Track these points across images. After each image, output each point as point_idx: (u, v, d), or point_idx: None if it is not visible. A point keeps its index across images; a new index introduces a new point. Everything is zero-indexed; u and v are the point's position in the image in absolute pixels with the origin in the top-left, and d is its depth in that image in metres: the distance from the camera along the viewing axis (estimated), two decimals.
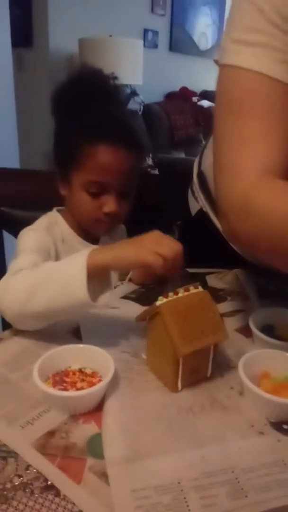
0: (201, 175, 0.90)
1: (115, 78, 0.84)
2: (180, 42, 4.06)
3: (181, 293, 0.53)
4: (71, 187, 0.79)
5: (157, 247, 0.56)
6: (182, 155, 3.69)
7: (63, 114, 0.81)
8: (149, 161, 3.04)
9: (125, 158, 0.76)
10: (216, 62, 0.57)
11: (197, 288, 0.55)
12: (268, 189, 0.50)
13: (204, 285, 0.83)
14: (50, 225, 0.81)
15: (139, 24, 3.59)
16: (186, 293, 0.53)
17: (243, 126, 0.52)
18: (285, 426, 0.48)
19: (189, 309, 0.51)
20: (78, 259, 0.56)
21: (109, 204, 0.76)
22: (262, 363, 0.54)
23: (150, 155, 3.10)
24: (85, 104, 0.77)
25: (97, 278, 0.58)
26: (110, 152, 0.75)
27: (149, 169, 2.98)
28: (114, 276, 0.87)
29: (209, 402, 0.51)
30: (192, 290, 0.54)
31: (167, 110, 3.72)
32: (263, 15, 0.51)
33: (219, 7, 4.48)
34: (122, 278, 0.84)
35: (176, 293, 0.53)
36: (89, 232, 0.83)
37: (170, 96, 3.98)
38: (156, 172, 2.96)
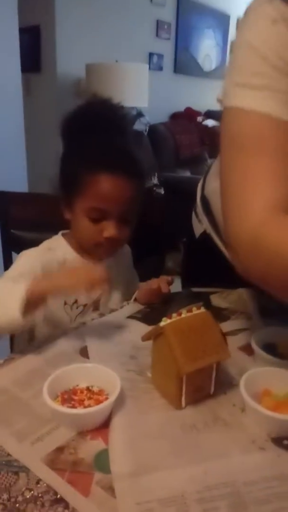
0: (204, 199, 0.93)
1: (122, 107, 0.88)
2: (185, 64, 4.17)
3: (184, 314, 0.55)
4: (74, 212, 0.83)
5: (87, 276, 0.66)
6: (187, 173, 3.75)
7: (69, 142, 0.85)
8: (155, 180, 3.09)
9: (125, 186, 0.80)
10: (219, 101, 0.60)
11: (200, 308, 0.57)
12: (277, 226, 0.51)
13: (208, 304, 0.85)
14: (49, 249, 0.85)
15: (145, 48, 3.69)
16: (189, 314, 0.55)
17: (249, 165, 0.54)
18: (285, 442, 0.49)
19: (192, 329, 0.54)
20: (20, 286, 0.64)
21: (109, 230, 0.80)
22: (263, 381, 0.56)
23: (156, 174, 3.16)
24: (90, 133, 0.81)
25: (36, 302, 0.65)
26: (110, 181, 0.78)
27: (154, 188, 3.04)
28: (117, 297, 0.90)
29: (212, 419, 0.53)
30: (195, 310, 0.56)
31: (172, 130, 3.80)
32: (265, 60, 0.53)
33: (223, 30, 4.60)
34: (128, 298, 0.87)
35: (180, 314, 0.55)
36: (91, 254, 0.86)
37: (175, 116, 4.07)
38: (162, 190, 3.02)
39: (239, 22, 0.59)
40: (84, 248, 0.86)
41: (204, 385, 0.56)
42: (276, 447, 0.49)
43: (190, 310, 0.56)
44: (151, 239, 2.16)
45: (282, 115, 0.53)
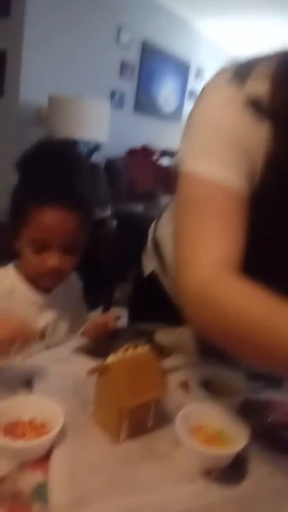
0: (155, 241, 0.99)
1: (75, 146, 0.93)
2: (145, 104, 4.36)
3: (129, 351, 0.59)
4: (21, 243, 0.86)
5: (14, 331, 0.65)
6: (141, 207, 3.86)
7: (22, 175, 0.89)
8: (108, 212, 3.16)
9: (67, 218, 0.83)
10: (175, 165, 0.66)
11: (143, 347, 0.61)
12: (223, 284, 0.55)
13: (152, 341, 0.89)
14: None
15: (108, 85, 3.84)
16: (133, 352, 0.59)
17: (201, 226, 0.59)
18: (214, 475, 0.54)
19: (135, 366, 0.58)
20: None
21: (52, 260, 0.83)
22: (197, 417, 0.60)
23: (110, 206, 3.23)
24: (41, 168, 0.85)
25: None
26: (52, 213, 0.83)
27: (107, 220, 3.10)
28: (64, 328, 0.92)
29: (148, 452, 0.56)
30: (139, 349, 0.61)
31: (128, 165, 3.92)
32: (219, 136, 0.60)
33: (183, 77, 4.89)
34: (75, 329, 0.90)
35: (125, 352, 0.59)
36: (38, 284, 0.88)
37: (132, 152, 4.21)
38: (115, 222, 3.08)
39: (196, 99, 0.65)
40: (30, 278, 0.88)
41: (143, 420, 0.59)
42: (205, 479, 0.53)
43: (134, 348, 0.60)
44: (101, 270, 2.19)
45: (230, 184, 0.59)
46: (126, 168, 3.90)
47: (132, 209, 3.66)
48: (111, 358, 0.57)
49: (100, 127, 2.97)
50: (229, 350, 0.58)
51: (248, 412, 0.67)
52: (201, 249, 0.58)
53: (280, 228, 0.65)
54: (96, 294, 1.91)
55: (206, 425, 0.59)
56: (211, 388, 0.70)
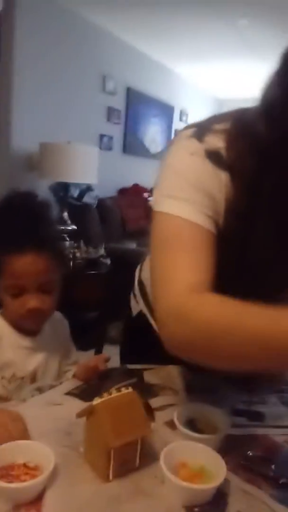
0: (141, 282, 1.05)
1: (39, 199, 0.99)
2: (133, 146, 4.53)
3: (114, 393, 0.64)
4: (0, 291, 0.91)
5: None
6: (134, 245, 3.94)
7: None
8: (102, 251, 3.23)
9: (36, 262, 0.88)
10: (151, 206, 0.74)
11: (128, 388, 0.66)
12: (196, 298, 0.62)
13: (141, 380, 0.94)
14: None
15: (96, 130, 4.02)
16: (117, 394, 0.64)
17: (173, 259, 0.66)
18: (196, 509, 0.57)
19: (120, 407, 0.62)
20: None
21: (30, 302, 0.88)
22: (181, 454, 0.64)
23: (103, 245, 3.31)
24: (6, 221, 0.90)
25: None
26: (22, 259, 0.87)
27: (101, 258, 3.17)
28: (54, 368, 0.96)
29: (135, 490, 0.60)
30: (123, 390, 0.65)
31: (120, 204, 4.04)
32: (186, 180, 0.68)
33: (168, 118, 5.11)
34: (63, 374, 0.93)
35: (110, 394, 0.64)
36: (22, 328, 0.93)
37: (123, 191, 4.34)
38: (108, 261, 3.15)
39: (165, 151, 0.75)
40: (14, 323, 0.92)
41: (130, 458, 0.63)
42: None
43: (119, 390, 0.65)
44: (94, 309, 2.23)
45: (198, 221, 0.67)
46: (117, 207, 4.02)
47: (125, 247, 3.74)
48: (96, 401, 0.62)
49: (90, 170, 3.10)
50: (208, 362, 0.63)
51: (231, 447, 0.71)
52: (175, 275, 0.65)
53: (245, 260, 0.72)
54: (89, 333, 1.95)
55: (189, 462, 0.63)
56: (196, 426, 0.74)
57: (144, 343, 1.04)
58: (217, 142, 0.68)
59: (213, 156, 0.68)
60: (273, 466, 0.67)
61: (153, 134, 4.87)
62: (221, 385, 0.92)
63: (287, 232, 0.69)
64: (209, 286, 0.64)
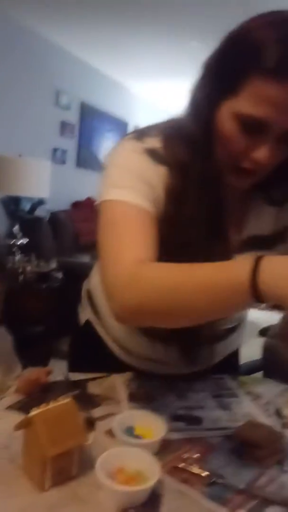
0: (88, 292, 1.08)
1: None
2: (87, 160, 4.57)
3: (51, 404, 0.65)
4: None
5: None
6: (87, 258, 3.94)
7: None
8: (53, 265, 3.21)
9: None
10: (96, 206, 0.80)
11: (65, 399, 0.68)
12: (145, 266, 0.68)
13: (84, 391, 0.95)
14: None
15: (50, 144, 4.02)
16: (54, 404, 0.66)
17: (121, 237, 0.72)
18: (130, 511, 0.60)
19: (56, 417, 0.64)
20: None
21: None
22: (118, 460, 0.66)
23: (55, 258, 3.29)
24: None
25: None
26: None
27: (52, 272, 3.15)
28: None
29: (71, 498, 0.61)
30: (61, 400, 0.67)
31: (73, 217, 4.04)
32: (129, 172, 0.76)
33: (121, 133, 5.19)
34: (8, 383, 0.93)
35: (47, 404, 0.65)
36: None
37: (76, 204, 4.35)
38: (60, 274, 3.13)
39: (110, 152, 0.84)
40: None
41: (66, 467, 0.65)
42: None
43: (56, 400, 0.66)
44: (43, 324, 2.22)
45: (142, 204, 0.74)
46: (71, 220, 4.01)
47: (77, 260, 3.74)
48: (33, 412, 0.63)
49: (42, 183, 3.09)
50: (158, 323, 0.71)
51: (168, 450, 0.75)
52: (123, 251, 0.71)
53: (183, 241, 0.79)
54: (39, 348, 1.94)
55: (125, 467, 0.65)
56: (133, 433, 0.76)
57: (91, 352, 1.06)
58: (154, 143, 0.78)
59: (151, 153, 0.77)
60: (206, 466, 0.71)
61: (107, 149, 4.93)
62: (162, 394, 0.95)
63: (213, 212, 0.78)
64: (153, 261, 0.71)
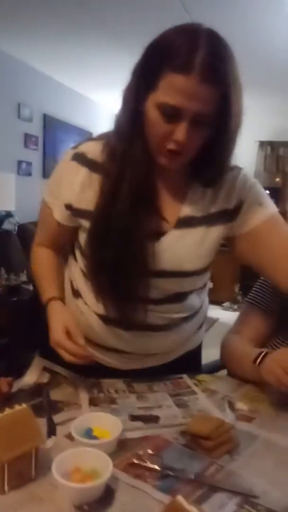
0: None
1: None
2: (53, 171, 4.58)
3: (7, 411, 0.69)
4: None
5: None
6: None
7: None
8: (24, 277, 3.21)
9: None
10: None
11: (21, 405, 0.71)
12: (36, 248, 1.14)
13: (48, 398, 0.98)
14: None
15: (14, 156, 4.02)
16: (10, 411, 0.69)
17: (40, 229, 1.13)
18: (85, 507, 0.63)
19: (11, 423, 0.67)
20: None
21: None
22: (74, 460, 0.70)
23: (25, 271, 3.29)
24: None
25: None
26: None
27: (23, 285, 3.14)
28: None
29: (30, 498, 0.65)
30: (16, 407, 0.70)
31: None
32: (56, 179, 1.02)
33: None
34: None
35: (2, 411, 0.68)
36: None
37: None
38: (31, 287, 3.13)
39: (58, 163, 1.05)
40: None
41: (25, 470, 0.68)
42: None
43: (12, 408, 0.69)
44: (13, 336, 2.21)
45: (58, 217, 1.02)
46: None
47: None
48: None
49: (7, 196, 3.10)
50: None
51: (125, 449, 0.79)
52: (36, 237, 1.14)
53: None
54: (7, 360, 1.94)
55: (81, 466, 0.69)
56: (91, 435, 0.80)
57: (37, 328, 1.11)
58: (87, 147, 0.97)
59: (78, 157, 0.96)
60: (160, 461, 0.75)
61: None
62: (122, 397, 1.00)
63: (137, 205, 0.91)
64: (54, 247, 1.12)
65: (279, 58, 3.71)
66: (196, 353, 1.24)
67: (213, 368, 1.35)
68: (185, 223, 0.97)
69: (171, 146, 0.85)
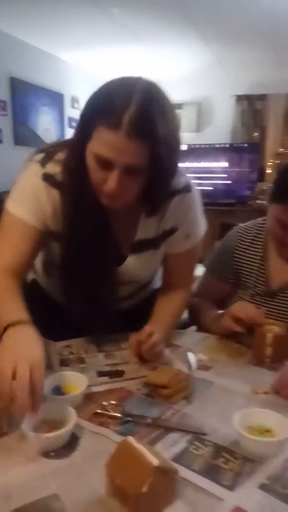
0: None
1: None
2: (25, 137, 4.48)
3: None
4: None
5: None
6: None
7: None
8: None
9: None
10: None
11: None
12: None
13: None
14: None
15: None
16: None
17: (3, 243, 1.00)
18: (51, 453, 0.71)
19: None
20: None
21: None
22: (43, 413, 0.76)
23: None
24: None
25: None
26: None
27: None
28: None
29: (2, 450, 0.72)
30: None
31: None
32: (25, 192, 0.99)
33: (58, 107, 5.10)
34: None
35: None
36: None
37: None
38: None
39: (21, 170, 1.02)
40: None
41: None
42: (45, 458, 0.70)
43: None
44: None
45: (28, 220, 0.98)
46: None
47: None
48: None
49: None
50: None
51: (91, 401, 0.86)
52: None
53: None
54: None
55: (49, 418, 0.76)
56: (60, 391, 0.87)
57: (39, 304, 1.16)
58: (54, 168, 0.98)
59: (48, 178, 0.98)
60: (122, 409, 0.83)
61: (45, 123, 4.85)
62: (91, 356, 1.07)
63: (99, 223, 0.99)
64: (18, 269, 0.99)
65: (257, 12, 3.62)
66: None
67: (183, 326, 1.44)
68: (140, 247, 1.09)
69: (106, 191, 0.90)
